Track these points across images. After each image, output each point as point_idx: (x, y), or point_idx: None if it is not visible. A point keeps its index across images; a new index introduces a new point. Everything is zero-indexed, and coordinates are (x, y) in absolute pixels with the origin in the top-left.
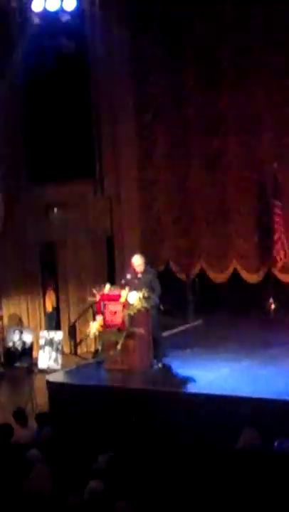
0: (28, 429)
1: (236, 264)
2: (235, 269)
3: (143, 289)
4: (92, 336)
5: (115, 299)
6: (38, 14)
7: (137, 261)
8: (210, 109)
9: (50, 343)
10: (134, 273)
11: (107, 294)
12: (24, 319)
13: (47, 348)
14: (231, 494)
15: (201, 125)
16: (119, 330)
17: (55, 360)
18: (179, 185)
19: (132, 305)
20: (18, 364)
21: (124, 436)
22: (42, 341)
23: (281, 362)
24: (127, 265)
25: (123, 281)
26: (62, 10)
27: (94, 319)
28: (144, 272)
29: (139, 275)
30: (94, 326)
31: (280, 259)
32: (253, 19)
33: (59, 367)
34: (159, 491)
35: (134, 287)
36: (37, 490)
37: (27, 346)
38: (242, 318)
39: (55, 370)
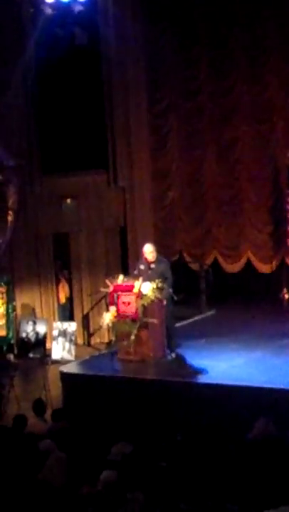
0: (42, 420)
1: (250, 254)
2: (248, 259)
3: (156, 280)
4: (105, 326)
5: (129, 289)
6: (50, 4)
7: (148, 249)
8: (223, 99)
9: (63, 333)
10: (146, 262)
11: (121, 285)
12: (38, 310)
13: (60, 339)
14: (245, 484)
15: (214, 115)
16: (133, 320)
17: (69, 351)
18: (192, 175)
19: (146, 295)
20: (31, 355)
21: (138, 427)
22: (55, 332)
23: None
24: (140, 255)
25: (136, 272)
26: (74, 0)
27: (107, 310)
28: (156, 262)
29: (152, 265)
30: (107, 317)
31: None
32: (265, 8)
33: (72, 358)
34: (171, 481)
35: (147, 277)
36: (51, 479)
37: (40, 337)
38: (255, 308)
39: (68, 361)
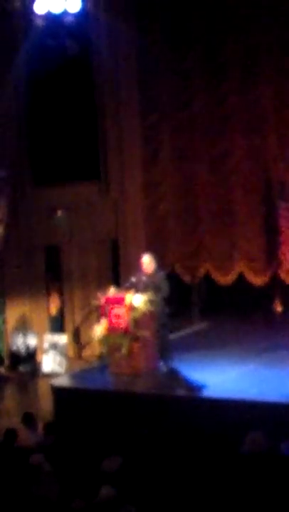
0: (32, 434)
1: (242, 267)
2: (241, 272)
3: (148, 292)
4: (96, 339)
5: (120, 302)
6: (41, 16)
7: (147, 259)
8: (216, 110)
9: (54, 346)
10: (141, 274)
11: (112, 297)
12: (28, 323)
13: (51, 352)
14: (238, 498)
15: (207, 126)
16: (124, 333)
17: (60, 363)
18: (184, 186)
19: (137, 308)
20: (22, 368)
21: (130, 441)
22: (46, 345)
23: (287, 364)
24: (132, 268)
25: (128, 284)
26: (66, 12)
27: (98, 322)
28: (152, 274)
29: (144, 277)
30: (98, 330)
31: (287, 261)
32: (259, 19)
33: (63, 371)
34: (164, 496)
35: (139, 289)
36: (43, 494)
37: (31, 350)
38: (248, 321)
39: (59, 374)
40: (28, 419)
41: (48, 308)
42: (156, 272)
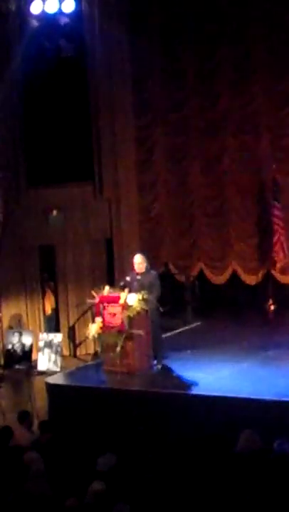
0: (27, 432)
1: (235, 266)
2: (234, 271)
3: (142, 291)
4: (91, 337)
5: (114, 300)
6: (36, 16)
7: (138, 259)
8: (209, 111)
9: (49, 345)
10: (134, 273)
11: (106, 296)
12: (24, 321)
13: (46, 350)
14: (231, 496)
15: (200, 127)
16: (119, 332)
17: (55, 362)
18: (178, 187)
19: (131, 307)
20: (17, 366)
21: (124, 438)
22: (41, 343)
23: (281, 363)
24: (126, 267)
25: (122, 283)
26: (60, 12)
27: (93, 321)
28: (144, 273)
29: (138, 277)
30: (93, 328)
31: (280, 260)
32: (252, 21)
33: (58, 369)
34: (158, 493)
35: (133, 289)
36: (36, 492)
37: (26, 348)
38: (241, 320)
39: (54, 372)
40: (24, 417)
41: (43, 307)
42: (149, 271)
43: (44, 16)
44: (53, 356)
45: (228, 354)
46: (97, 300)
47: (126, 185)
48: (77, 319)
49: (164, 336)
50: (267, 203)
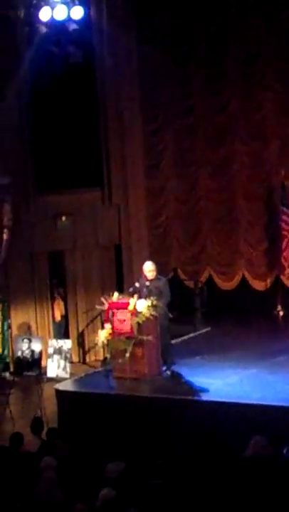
0: (39, 438)
1: (244, 272)
2: (243, 277)
3: (151, 297)
4: (100, 344)
5: (124, 307)
6: (45, 23)
7: (148, 267)
8: (217, 117)
9: (58, 351)
10: (144, 280)
11: (116, 302)
12: (33, 328)
13: (55, 357)
14: (241, 502)
15: (208, 133)
16: (128, 338)
17: (64, 368)
18: (186, 193)
19: (141, 313)
20: (27, 373)
21: (133, 444)
22: (51, 350)
23: None
24: (135, 273)
25: (131, 290)
26: (69, 19)
27: (102, 327)
28: (154, 280)
29: (148, 283)
30: (102, 335)
31: (288, 266)
32: (259, 27)
33: (68, 375)
34: (167, 500)
35: (142, 295)
36: (46, 498)
37: (36, 355)
38: (251, 325)
39: (63, 379)
40: (37, 424)
41: (52, 314)
42: (159, 277)
43: (53, 23)
44: (62, 363)
45: (236, 360)
46: (106, 306)
47: (135, 191)
48: (87, 325)
49: (173, 341)
50: (275, 209)
